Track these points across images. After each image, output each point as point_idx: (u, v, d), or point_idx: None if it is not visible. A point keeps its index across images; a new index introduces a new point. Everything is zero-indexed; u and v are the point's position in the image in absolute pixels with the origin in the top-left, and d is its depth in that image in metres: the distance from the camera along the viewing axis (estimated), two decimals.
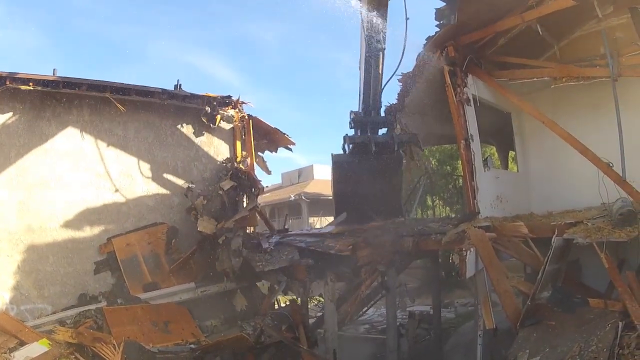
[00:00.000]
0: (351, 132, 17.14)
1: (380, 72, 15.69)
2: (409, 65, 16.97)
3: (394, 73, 15.81)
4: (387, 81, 15.88)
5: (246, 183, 19.69)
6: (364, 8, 14.75)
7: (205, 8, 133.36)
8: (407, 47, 15.61)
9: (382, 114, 17.61)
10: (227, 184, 19.17)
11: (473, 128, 16.26)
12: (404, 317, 19.17)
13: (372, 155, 16.82)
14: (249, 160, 20.59)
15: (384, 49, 14.89)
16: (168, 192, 19.17)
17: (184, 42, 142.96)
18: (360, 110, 16.94)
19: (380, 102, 16.74)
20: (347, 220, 18.17)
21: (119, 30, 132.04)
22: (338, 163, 17.98)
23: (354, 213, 18.12)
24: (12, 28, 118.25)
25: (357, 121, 16.64)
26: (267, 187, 24.58)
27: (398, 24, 15.10)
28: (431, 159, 36.35)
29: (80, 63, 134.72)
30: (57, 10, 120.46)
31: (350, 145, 16.39)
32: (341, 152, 17.53)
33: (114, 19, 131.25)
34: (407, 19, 14.66)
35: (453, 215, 25.00)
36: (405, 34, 14.81)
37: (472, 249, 13.66)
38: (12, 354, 12.77)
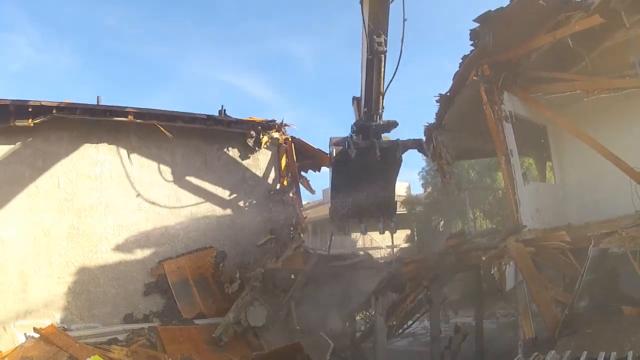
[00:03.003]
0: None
1: (382, 75, 15.09)
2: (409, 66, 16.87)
3: (393, 76, 15.37)
4: (389, 84, 15.54)
5: (291, 215, 19.87)
6: (365, 9, 14.52)
7: (239, 27, 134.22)
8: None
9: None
10: (263, 239, 19.44)
11: (512, 143, 16.58)
12: (446, 329, 19.31)
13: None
14: (293, 189, 20.78)
15: (386, 52, 14.33)
16: (217, 214, 19.33)
17: (219, 61, 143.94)
18: (363, 114, 16.42)
19: (383, 106, 16.04)
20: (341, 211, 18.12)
21: (152, 50, 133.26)
22: (338, 145, 17.73)
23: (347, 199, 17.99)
24: (46, 51, 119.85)
25: (360, 126, 16.24)
26: (308, 203, 24.74)
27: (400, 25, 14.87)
28: (470, 171, 36.49)
29: (115, 83, 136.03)
30: (89, 32, 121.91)
31: (355, 151, 15.61)
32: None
33: (147, 40, 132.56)
34: (404, 20, 14.21)
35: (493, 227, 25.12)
36: (403, 34, 14.57)
37: (511, 262, 13.98)
38: None
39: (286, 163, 20.99)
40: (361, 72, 16.18)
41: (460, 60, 17.12)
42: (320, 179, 76.23)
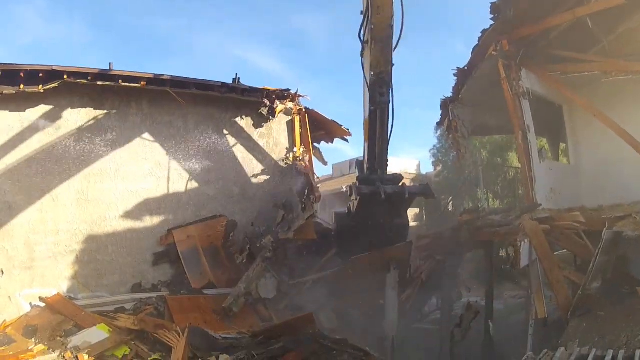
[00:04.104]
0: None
1: (386, 126, 15.23)
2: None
3: (391, 131, 15.39)
4: (389, 136, 15.48)
5: (304, 184, 19.87)
6: (366, 62, 14.68)
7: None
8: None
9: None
10: (279, 218, 19.23)
11: (529, 120, 16.50)
12: (455, 309, 19.18)
13: (377, 218, 16.39)
14: (307, 157, 20.75)
15: (389, 102, 14.63)
16: (228, 182, 19.28)
17: (231, 35, 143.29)
18: (367, 169, 16.48)
19: (387, 159, 16.20)
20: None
21: (164, 23, 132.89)
22: (340, 224, 18.12)
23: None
24: (57, 23, 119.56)
25: (364, 179, 16.13)
26: (318, 178, 24.66)
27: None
28: (482, 150, 36.29)
29: (125, 55, 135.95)
30: (100, 4, 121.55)
31: (358, 197, 15.74)
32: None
33: (159, 12, 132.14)
34: (392, 65, 14.40)
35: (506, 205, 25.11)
36: (391, 80, 14.55)
37: (526, 240, 13.84)
38: (69, 338, 12.98)
39: (300, 133, 20.92)
40: (364, 127, 16.00)
41: (480, 35, 16.96)
42: (329, 152, 76.23)
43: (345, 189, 17.93)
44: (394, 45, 13.97)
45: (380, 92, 14.22)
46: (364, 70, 14.88)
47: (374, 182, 15.42)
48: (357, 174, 17.33)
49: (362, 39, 14.75)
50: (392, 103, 14.62)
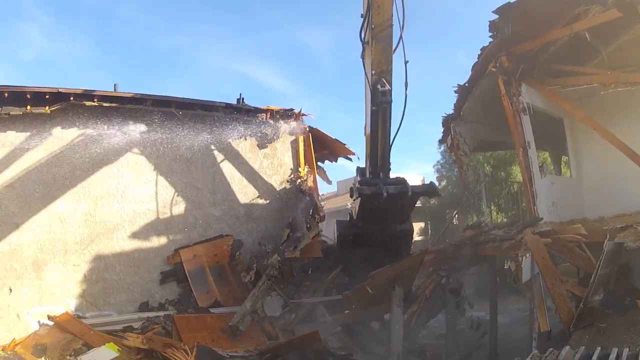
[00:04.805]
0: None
1: (387, 128, 14.63)
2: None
3: (399, 126, 14.55)
4: (395, 137, 14.81)
5: (309, 204, 19.92)
6: (367, 61, 14.45)
7: (255, 16, 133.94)
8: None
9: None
10: (283, 237, 19.37)
11: (529, 135, 16.60)
12: (460, 323, 19.18)
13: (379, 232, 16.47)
14: (311, 177, 20.79)
15: (390, 102, 14.00)
16: (234, 202, 19.37)
17: (235, 51, 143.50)
18: (369, 173, 15.95)
19: (390, 162, 15.61)
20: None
21: (168, 40, 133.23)
22: (341, 232, 17.84)
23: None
24: (61, 39, 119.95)
25: (365, 182, 15.45)
26: (322, 195, 24.71)
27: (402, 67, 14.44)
28: (485, 165, 36.32)
29: (130, 72, 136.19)
30: (104, 21, 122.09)
31: (359, 199, 15.34)
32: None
33: (164, 29, 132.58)
34: (406, 62, 13.81)
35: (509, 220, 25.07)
36: (406, 78, 14.04)
37: (528, 254, 13.94)
38: (78, 357, 13.04)
39: (304, 153, 20.99)
40: (365, 139, 15.94)
41: (479, 52, 17.10)
42: (336, 170, 76.39)
43: (350, 206, 17.80)
44: (394, 45, 13.79)
45: (382, 92, 13.73)
46: (365, 71, 14.64)
47: (376, 184, 15.04)
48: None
49: (362, 40, 14.68)
50: (405, 103, 14.11)
